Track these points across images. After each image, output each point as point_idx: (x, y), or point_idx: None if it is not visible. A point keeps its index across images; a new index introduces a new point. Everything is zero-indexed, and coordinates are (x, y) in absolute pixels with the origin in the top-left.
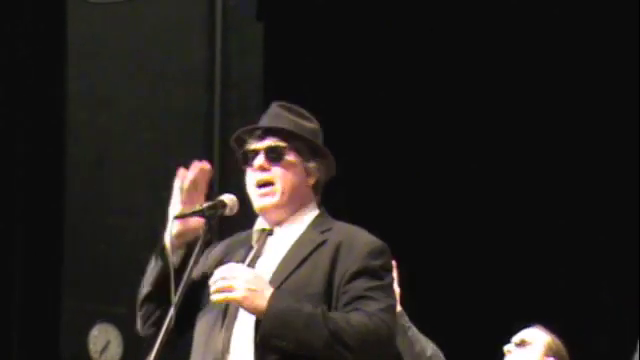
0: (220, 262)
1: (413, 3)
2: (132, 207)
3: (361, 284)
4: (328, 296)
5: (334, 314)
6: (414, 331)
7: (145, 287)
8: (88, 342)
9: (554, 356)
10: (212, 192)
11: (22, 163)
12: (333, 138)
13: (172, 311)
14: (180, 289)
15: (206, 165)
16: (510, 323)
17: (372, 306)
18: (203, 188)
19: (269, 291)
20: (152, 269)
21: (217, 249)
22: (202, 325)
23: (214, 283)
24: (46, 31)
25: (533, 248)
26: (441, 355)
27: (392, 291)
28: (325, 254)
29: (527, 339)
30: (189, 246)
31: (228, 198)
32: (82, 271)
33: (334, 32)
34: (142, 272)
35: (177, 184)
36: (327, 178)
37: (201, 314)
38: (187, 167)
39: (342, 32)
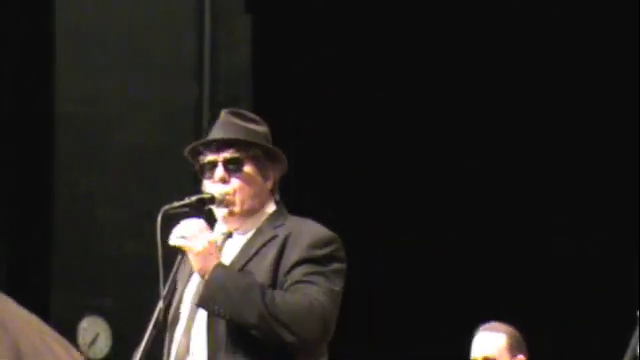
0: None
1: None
2: (121, 200)
3: (301, 270)
4: (273, 285)
5: (272, 291)
6: None
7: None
8: (77, 334)
9: (520, 352)
10: (200, 185)
11: (11, 155)
12: (321, 130)
13: (160, 304)
14: (168, 284)
15: None
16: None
17: (310, 289)
18: None
19: (219, 259)
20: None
21: None
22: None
23: (179, 229)
24: (34, 23)
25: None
26: None
27: (336, 278)
28: (273, 247)
29: (489, 355)
30: None
31: (217, 192)
32: (71, 264)
33: (323, 25)
34: (131, 265)
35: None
36: (281, 175)
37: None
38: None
39: (331, 25)
